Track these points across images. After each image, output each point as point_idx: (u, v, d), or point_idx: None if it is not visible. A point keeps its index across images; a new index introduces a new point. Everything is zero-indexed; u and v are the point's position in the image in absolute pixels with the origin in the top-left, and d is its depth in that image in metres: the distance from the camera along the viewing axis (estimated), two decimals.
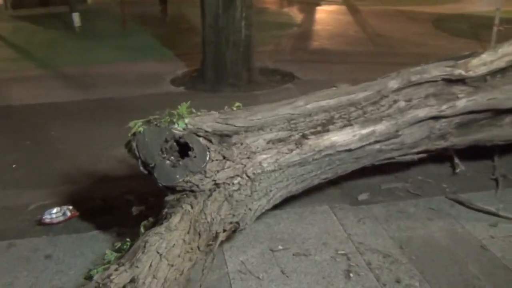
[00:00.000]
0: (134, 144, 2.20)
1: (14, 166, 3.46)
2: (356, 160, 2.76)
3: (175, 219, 1.93)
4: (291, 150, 2.47)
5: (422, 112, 2.86)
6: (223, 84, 5.28)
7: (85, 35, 8.38)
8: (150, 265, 1.68)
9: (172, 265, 1.75)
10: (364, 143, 2.67)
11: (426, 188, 3.13)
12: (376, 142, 2.73)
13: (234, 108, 2.52)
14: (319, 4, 12.01)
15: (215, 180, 2.20)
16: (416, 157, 3.04)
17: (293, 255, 2.45)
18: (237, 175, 2.28)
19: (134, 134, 2.24)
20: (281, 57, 6.85)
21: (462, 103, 2.96)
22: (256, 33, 8.34)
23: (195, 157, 2.16)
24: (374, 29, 9.03)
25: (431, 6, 11.09)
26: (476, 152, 3.31)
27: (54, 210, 2.73)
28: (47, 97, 5.04)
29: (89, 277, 1.73)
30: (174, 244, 1.80)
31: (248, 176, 2.31)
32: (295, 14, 10.82)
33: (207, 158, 2.16)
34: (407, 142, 2.89)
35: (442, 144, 3.07)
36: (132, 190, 3.00)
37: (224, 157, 2.25)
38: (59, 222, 2.69)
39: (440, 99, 2.96)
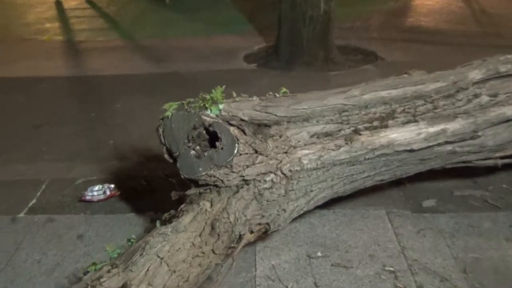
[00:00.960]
0: (160, 130, 2.03)
1: (73, 137, 3.50)
2: (421, 161, 2.36)
3: (186, 219, 1.74)
4: (339, 147, 2.15)
5: (510, 110, 2.36)
6: (297, 63, 4.96)
7: (174, 7, 8.42)
8: (147, 270, 1.51)
9: (174, 271, 1.56)
10: (431, 144, 2.26)
11: (510, 200, 2.63)
12: (447, 143, 2.30)
13: (277, 95, 2.24)
14: None
15: (243, 176, 1.97)
16: (500, 162, 2.55)
17: (332, 265, 2.17)
18: (270, 172, 2.02)
19: (162, 118, 2.07)
20: (367, 34, 6.32)
21: None
22: (344, 8, 7.84)
23: (222, 148, 1.94)
24: (481, 6, 8.03)
25: None
26: None
27: (96, 188, 2.70)
28: (122, 68, 5.10)
29: (86, 273, 1.62)
30: (179, 248, 1.61)
31: (284, 174, 2.04)
32: None
33: (235, 151, 1.93)
34: (488, 145, 2.42)
35: None
36: (176, 173, 2.86)
37: (256, 151, 2.00)
38: (98, 200, 2.65)
39: None
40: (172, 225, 1.69)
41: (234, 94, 2.28)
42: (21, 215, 2.56)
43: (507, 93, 2.41)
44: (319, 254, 2.24)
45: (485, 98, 2.36)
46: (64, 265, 2.19)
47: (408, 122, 2.27)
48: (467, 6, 8.09)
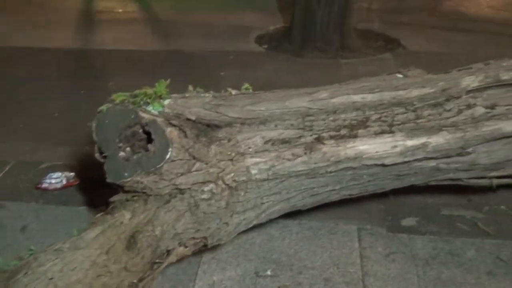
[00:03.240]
0: (93, 125, 1.84)
1: (55, 115, 3.39)
2: (397, 177, 2.08)
3: (91, 234, 1.55)
4: (296, 157, 1.89)
5: (510, 126, 2.02)
6: (309, 48, 4.62)
7: None
8: None
9: None
10: (407, 159, 1.97)
11: (504, 225, 2.30)
12: (428, 158, 2.00)
13: (233, 92, 1.99)
14: None
15: (176, 185, 1.75)
16: (496, 182, 2.21)
17: (279, 287, 1.94)
18: (210, 181, 1.80)
19: (99, 111, 1.88)
20: (396, 18, 5.85)
21: None
22: None
23: (154, 152, 1.73)
24: None
25: None
26: None
27: (55, 175, 2.56)
28: (128, 43, 4.93)
29: None
30: (75, 268, 1.43)
31: (226, 184, 1.82)
32: None
33: (167, 156, 1.72)
34: (481, 163, 2.10)
35: None
36: None
37: (194, 157, 1.78)
38: (54, 189, 2.51)
39: None
40: (71, 240, 1.51)
41: (190, 88, 2.06)
42: None
43: (507, 105, 2.06)
44: (268, 272, 2.01)
45: (480, 110, 2.02)
46: None
47: (382, 132, 1.98)
48: None
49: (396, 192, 2.33)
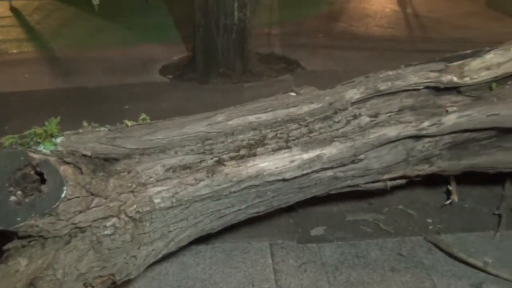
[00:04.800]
0: None
1: None
2: (300, 190, 2.16)
3: None
4: (199, 181, 1.91)
5: (393, 131, 2.19)
6: (213, 74, 4.71)
7: (103, 13, 8.02)
8: None
9: None
10: (306, 171, 2.06)
11: (403, 223, 2.48)
12: (325, 169, 2.11)
13: (129, 124, 1.98)
14: None
15: (75, 224, 1.70)
16: (389, 184, 2.38)
17: None
18: (111, 216, 1.76)
19: None
20: (295, 41, 6.16)
21: (451, 120, 2.25)
22: (274, 12, 7.69)
23: (47, 193, 1.66)
24: (416, 9, 8.05)
25: None
26: (484, 177, 2.56)
27: None
28: (24, 84, 4.71)
29: None
30: None
31: (129, 216, 1.79)
32: None
33: (62, 195, 1.66)
34: (374, 168, 2.25)
35: (426, 169, 2.39)
36: None
37: (92, 193, 1.74)
38: None
39: (422, 114, 2.27)
40: None
41: (85, 123, 2.01)
42: None
43: (389, 112, 2.24)
44: None
45: (365, 119, 2.19)
46: None
47: (279, 148, 2.06)
48: (402, 9, 8.11)
49: (303, 204, 2.43)
